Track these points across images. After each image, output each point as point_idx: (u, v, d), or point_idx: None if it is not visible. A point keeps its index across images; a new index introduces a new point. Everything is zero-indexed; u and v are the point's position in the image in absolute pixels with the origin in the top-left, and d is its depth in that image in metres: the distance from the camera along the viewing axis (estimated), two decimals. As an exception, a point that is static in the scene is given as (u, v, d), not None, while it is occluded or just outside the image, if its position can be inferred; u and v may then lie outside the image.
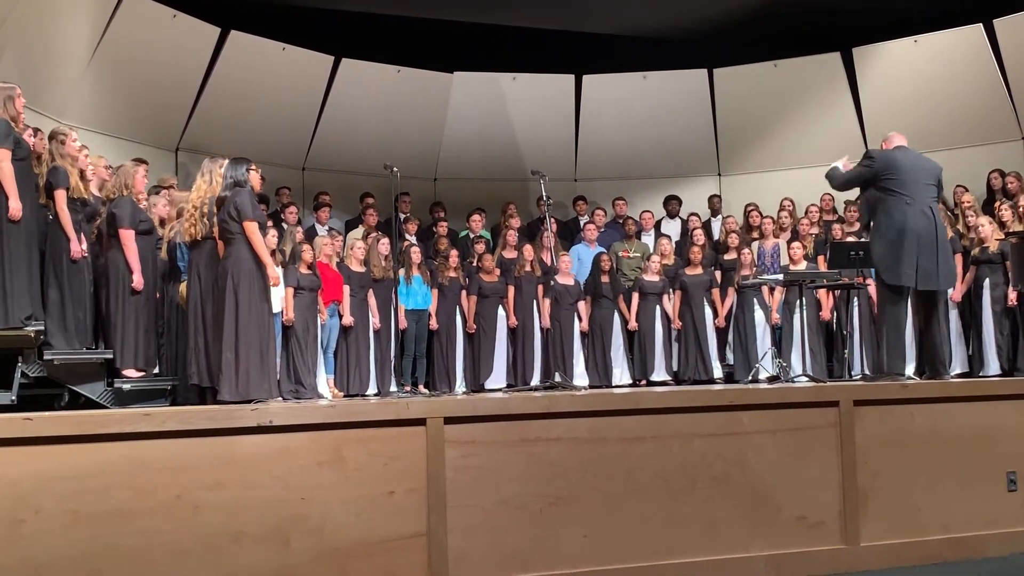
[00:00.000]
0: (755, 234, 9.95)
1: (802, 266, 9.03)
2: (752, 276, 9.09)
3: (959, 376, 8.30)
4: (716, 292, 9.68)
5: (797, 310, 8.80)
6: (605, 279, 9.65)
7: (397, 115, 11.31)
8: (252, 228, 5.91)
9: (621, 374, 9.57)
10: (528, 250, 9.52)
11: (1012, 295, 8.25)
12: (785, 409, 4.53)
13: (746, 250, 9.50)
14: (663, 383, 9.43)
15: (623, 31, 11.79)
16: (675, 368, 9.67)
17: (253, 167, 6.22)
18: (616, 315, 9.65)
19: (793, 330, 8.94)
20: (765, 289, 9.28)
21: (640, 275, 9.80)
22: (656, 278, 9.69)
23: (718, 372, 9.50)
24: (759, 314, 9.31)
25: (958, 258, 8.31)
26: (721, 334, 9.66)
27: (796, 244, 9.26)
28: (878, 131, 10.94)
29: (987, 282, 8.44)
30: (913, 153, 6.25)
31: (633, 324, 9.63)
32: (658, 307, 9.65)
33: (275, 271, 6.11)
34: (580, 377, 9.41)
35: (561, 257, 9.64)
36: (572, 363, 9.43)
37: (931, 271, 5.90)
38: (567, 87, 11.86)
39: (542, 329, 9.39)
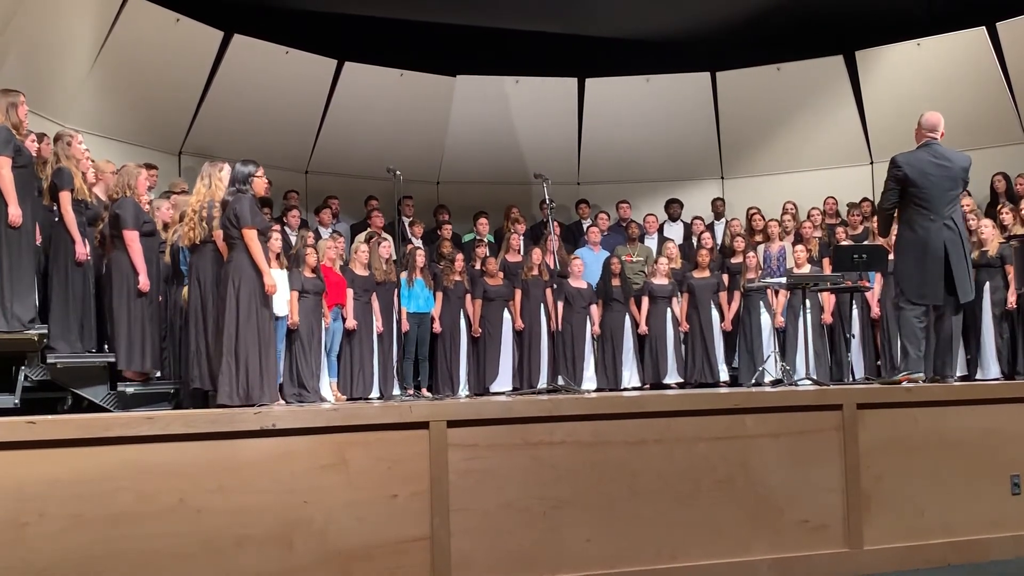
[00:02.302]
0: (759, 237, 9.94)
1: (806, 269, 9.03)
2: (757, 279, 9.09)
3: (958, 380, 8.28)
4: (723, 295, 9.67)
5: (801, 313, 8.81)
6: (615, 282, 9.65)
7: (400, 118, 11.32)
8: (251, 235, 5.87)
9: (630, 377, 9.56)
10: (536, 254, 9.51)
11: (1012, 299, 8.22)
12: (789, 412, 4.52)
13: (751, 253, 9.50)
14: (670, 386, 9.42)
15: (626, 34, 11.80)
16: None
17: (259, 172, 6.16)
18: (627, 318, 9.65)
19: (798, 333, 8.93)
20: (771, 292, 9.28)
21: (649, 279, 9.79)
22: (665, 281, 9.69)
23: (724, 375, 9.49)
24: (765, 317, 9.29)
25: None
26: (728, 337, 9.66)
27: (800, 247, 9.26)
28: (881, 134, 10.99)
29: (987, 286, 8.36)
30: (941, 154, 5.82)
31: (644, 328, 9.62)
32: (668, 310, 9.65)
33: (272, 279, 6.03)
34: (589, 381, 9.41)
35: (572, 260, 9.64)
36: (582, 367, 9.43)
37: (964, 283, 5.71)
38: (570, 90, 11.86)
39: (550, 332, 9.37)
